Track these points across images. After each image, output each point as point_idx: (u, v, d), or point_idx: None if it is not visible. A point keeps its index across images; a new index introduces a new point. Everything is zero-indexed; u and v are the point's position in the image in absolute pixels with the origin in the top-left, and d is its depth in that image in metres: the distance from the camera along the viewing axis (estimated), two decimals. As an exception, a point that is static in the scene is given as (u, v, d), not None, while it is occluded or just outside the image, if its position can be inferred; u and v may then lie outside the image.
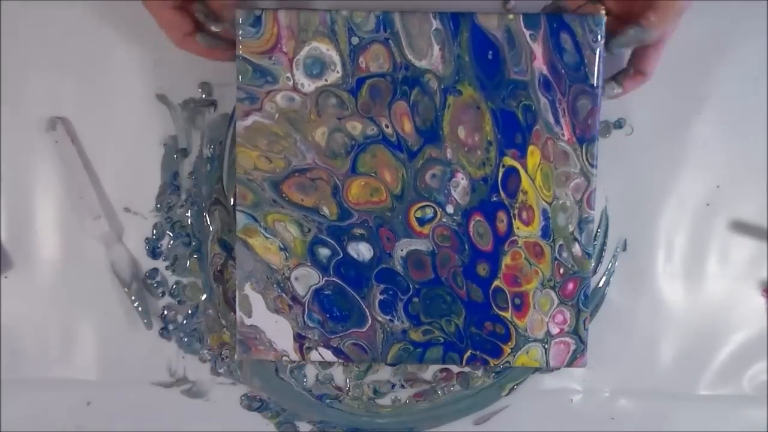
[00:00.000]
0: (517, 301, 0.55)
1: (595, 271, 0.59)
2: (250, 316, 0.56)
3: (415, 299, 0.55)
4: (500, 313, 0.55)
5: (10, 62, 0.61)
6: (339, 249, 0.55)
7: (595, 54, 0.52)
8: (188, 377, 0.61)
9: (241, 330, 0.56)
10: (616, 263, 0.58)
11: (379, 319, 0.55)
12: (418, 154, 0.54)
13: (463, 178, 0.54)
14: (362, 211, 0.55)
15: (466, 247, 0.55)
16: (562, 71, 0.53)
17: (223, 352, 0.60)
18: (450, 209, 0.54)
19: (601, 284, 0.59)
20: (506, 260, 0.55)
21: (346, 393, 0.60)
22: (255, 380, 0.60)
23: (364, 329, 0.55)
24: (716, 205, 0.58)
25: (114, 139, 0.60)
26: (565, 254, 0.54)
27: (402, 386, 0.60)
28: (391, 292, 0.55)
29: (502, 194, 0.54)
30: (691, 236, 0.58)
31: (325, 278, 0.55)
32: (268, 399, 0.60)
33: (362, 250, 0.55)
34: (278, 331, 0.56)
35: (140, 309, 0.60)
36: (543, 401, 0.59)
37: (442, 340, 0.56)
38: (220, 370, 0.61)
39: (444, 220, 0.54)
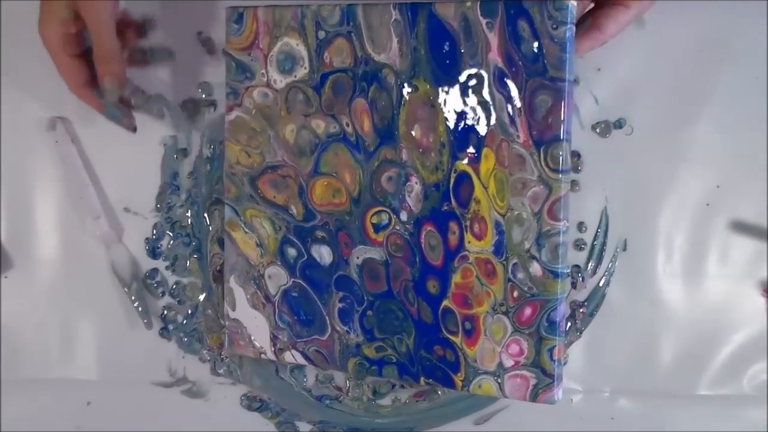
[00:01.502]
0: (468, 325, 0.50)
1: (595, 271, 0.58)
2: (234, 310, 0.56)
3: (369, 312, 0.52)
4: (450, 337, 0.51)
5: (10, 62, 0.61)
6: (303, 250, 0.53)
7: (555, 43, 0.46)
8: (188, 377, 0.61)
9: (227, 323, 0.56)
10: (616, 263, 0.58)
11: (338, 329, 0.53)
12: (374, 154, 0.51)
13: (417, 183, 0.50)
14: (324, 212, 0.53)
15: (417, 259, 0.51)
16: (520, 63, 0.47)
17: (222, 353, 0.60)
18: (403, 216, 0.51)
19: (601, 284, 0.59)
20: (456, 278, 0.50)
21: (346, 393, 0.60)
22: (255, 380, 0.60)
23: (325, 338, 0.54)
24: (716, 205, 0.58)
25: (114, 139, 0.60)
26: (520, 275, 0.48)
27: (402, 386, 0.59)
28: (348, 301, 0.53)
29: (454, 203, 0.49)
30: (691, 236, 0.58)
31: (292, 279, 0.54)
32: (268, 399, 0.60)
33: (324, 254, 0.53)
34: (257, 328, 0.55)
35: (140, 309, 0.60)
36: (543, 401, 0.59)
37: (395, 360, 0.52)
38: (219, 371, 0.61)
39: (397, 227, 0.51)
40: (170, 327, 0.61)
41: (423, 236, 0.51)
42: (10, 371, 0.61)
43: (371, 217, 0.52)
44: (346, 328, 0.53)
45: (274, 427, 0.60)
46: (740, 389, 0.58)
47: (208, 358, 0.61)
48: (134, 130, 0.58)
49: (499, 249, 0.49)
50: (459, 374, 0.51)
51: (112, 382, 0.61)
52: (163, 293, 0.61)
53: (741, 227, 0.58)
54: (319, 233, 0.53)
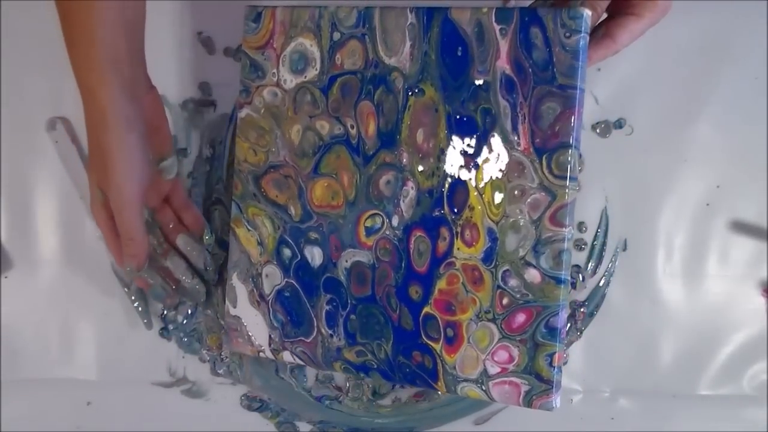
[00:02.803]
0: (450, 332, 0.49)
1: (595, 271, 0.58)
2: (235, 307, 0.56)
3: (353, 316, 0.52)
4: (429, 343, 0.50)
5: (10, 62, 0.61)
6: (297, 251, 0.53)
7: (566, 51, 0.45)
8: (188, 377, 0.61)
9: (227, 320, 0.56)
10: (616, 263, 0.58)
11: (323, 331, 0.53)
12: (373, 158, 0.51)
13: (412, 188, 0.50)
14: (321, 214, 0.52)
15: (403, 265, 0.50)
16: (529, 70, 0.46)
17: (222, 353, 0.60)
18: (395, 221, 0.50)
19: (601, 284, 0.59)
20: (441, 284, 0.49)
21: (345, 393, 0.60)
22: (255, 380, 0.60)
23: (309, 340, 0.54)
24: (716, 205, 0.58)
25: (114, 139, 0.60)
26: (513, 282, 0.47)
27: (402, 386, 0.59)
28: (334, 304, 0.53)
29: (447, 209, 0.49)
30: (691, 236, 0.58)
31: (286, 279, 0.54)
32: (268, 399, 0.60)
33: (315, 255, 0.53)
34: (257, 326, 0.55)
35: (140, 309, 0.60)
36: (543, 401, 0.59)
37: (375, 366, 0.52)
38: (219, 371, 0.61)
39: (387, 232, 0.51)
40: (170, 327, 0.61)
41: (412, 242, 0.50)
42: (10, 371, 0.61)
43: (365, 221, 0.51)
44: (330, 332, 0.53)
45: (274, 427, 0.60)
46: (740, 389, 0.58)
47: (208, 358, 0.61)
48: (176, 308, 0.60)
49: (489, 256, 0.48)
50: (438, 383, 0.50)
51: (112, 382, 0.61)
52: (163, 293, 0.61)
53: (741, 227, 0.58)
54: (313, 234, 0.53)
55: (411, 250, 0.50)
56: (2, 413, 0.61)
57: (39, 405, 0.61)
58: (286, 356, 0.55)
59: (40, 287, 0.61)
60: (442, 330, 0.50)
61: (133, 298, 0.60)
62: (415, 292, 0.50)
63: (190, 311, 0.61)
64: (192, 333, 0.61)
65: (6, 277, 0.61)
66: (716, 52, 0.57)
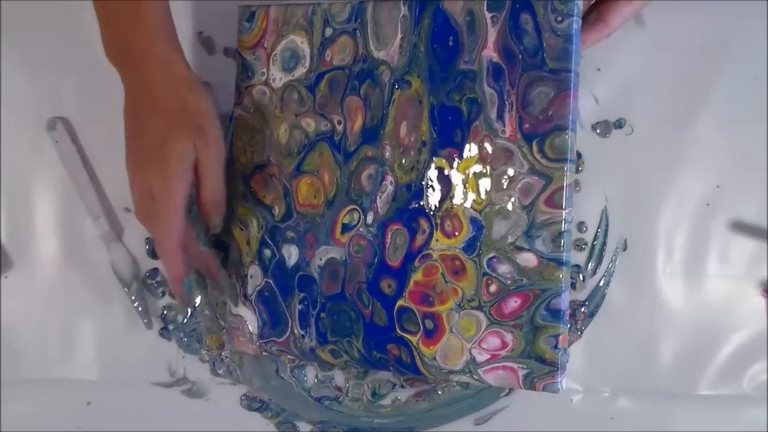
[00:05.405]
0: (429, 324, 0.49)
1: (595, 271, 0.58)
2: (237, 305, 0.56)
3: (323, 314, 0.52)
4: (404, 335, 0.50)
5: (10, 62, 0.61)
6: (275, 250, 0.53)
7: (558, 36, 0.46)
8: (188, 377, 0.61)
9: (229, 319, 0.56)
10: (616, 263, 0.58)
11: (295, 332, 0.53)
12: (354, 154, 0.51)
13: (390, 183, 0.50)
14: (301, 213, 0.52)
15: (375, 260, 0.50)
16: (519, 57, 0.46)
17: (222, 353, 0.60)
18: (369, 218, 0.50)
19: (601, 284, 0.59)
20: (417, 276, 0.49)
21: (345, 394, 0.60)
22: (255, 380, 0.60)
23: (281, 340, 0.54)
24: (716, 205, 0.58)
25: (114, 139, 0.60)
26: (502, 268, 0.47)
27: (402, 386, 0.59)
28: (306, 303, 0.53)
29: (426, 200, 0.49)
30: (691, 236, 0.58)
31: (265, 279, 0.54)
32: (268, 399, 0.60)
33: (292, 253, 0.53)
34: (257, 324, 0.55)
35: (140, 309, 0.60)
36: (543, 401, 0.59)
37: (354, 365, 0.52)
38: (219, 371, 0.61)
39: (361, 229, 0.51)
40: (170, 327, 0.61)
41: (389, 235, 0.50)
42: (10, 371, 0.61)
43: (344, 216, 0.51)
44: (302, 332, 0.53)
45: (274, 427, 0.60)
46: (740, 389, 0.58)
47: (208, 358, 0.61)
48: (188, 306, 0.59)
49: (471, 246, 0.48)
50: (426, 380, 0.51)
51: (112, 382, 0.61)
52: (163, 293, 0.61)
53: (741, 227, 0.58)
54: (290, 233, 0.53)
55: (387, 244, 0.50)
56: (2, 413, 0.61)
57: (39, 405, 0.61)
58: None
59: (40, 287, 0.61)
60: (420, 322, 0.49)
61: (133, 298, 0.60)
62: (387, 286, 0.50)
63: (190, 311, 0.61)
64: (192, 333, 0.61)
65: (6, 277, 0.61)
66: (716, 52, 0.57)
